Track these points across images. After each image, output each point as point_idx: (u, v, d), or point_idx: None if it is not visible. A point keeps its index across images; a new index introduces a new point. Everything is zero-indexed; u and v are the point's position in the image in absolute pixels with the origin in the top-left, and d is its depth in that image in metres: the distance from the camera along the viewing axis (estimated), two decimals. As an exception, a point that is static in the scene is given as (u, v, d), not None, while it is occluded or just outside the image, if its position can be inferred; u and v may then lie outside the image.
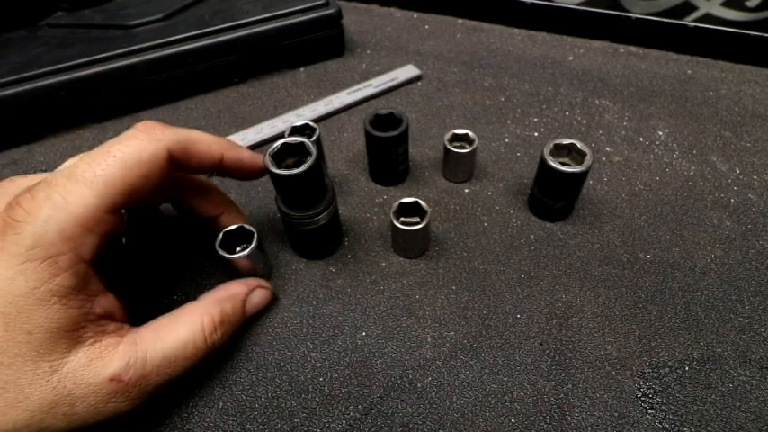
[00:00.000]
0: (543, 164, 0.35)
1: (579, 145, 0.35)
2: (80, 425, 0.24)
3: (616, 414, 0.29)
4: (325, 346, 0.33)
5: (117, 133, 0.27)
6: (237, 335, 0.33)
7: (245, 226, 0.33)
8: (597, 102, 0.50)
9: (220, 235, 0.33)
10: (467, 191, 0.42)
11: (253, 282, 0.33)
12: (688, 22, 0.57)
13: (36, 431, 0.23)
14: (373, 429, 0.29)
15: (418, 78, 0.54)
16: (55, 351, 0.23)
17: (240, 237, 0.34)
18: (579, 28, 0.59)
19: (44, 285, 0.23)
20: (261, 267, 0.35)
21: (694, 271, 0.36)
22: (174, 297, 0.36)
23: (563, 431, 0.29)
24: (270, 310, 0.34)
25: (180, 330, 0.28)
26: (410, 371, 0.32)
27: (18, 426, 0.22)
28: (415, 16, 0.64)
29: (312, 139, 0.38)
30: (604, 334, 0.33)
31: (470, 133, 0.41)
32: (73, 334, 0.24)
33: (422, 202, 0.35)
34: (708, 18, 0.59)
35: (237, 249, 0.34)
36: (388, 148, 0.39)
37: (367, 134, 0.38)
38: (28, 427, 0.23)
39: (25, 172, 0.46)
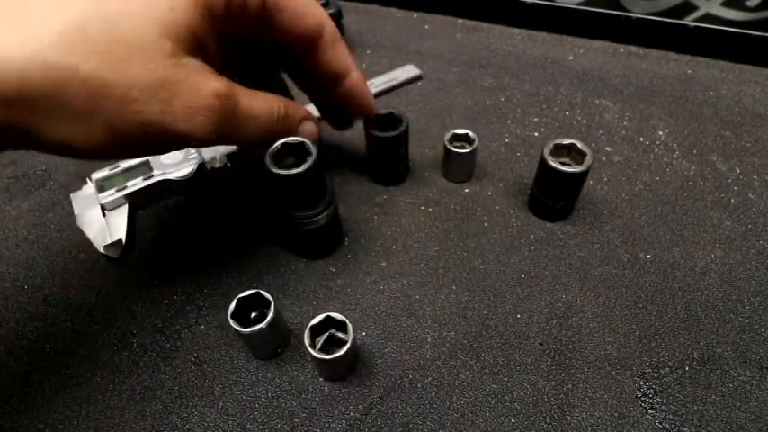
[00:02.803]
0: (543, 164, 0.35)
1: (579, 145, 0.35)
2: (165, 125, 0.24)
3: (616, 414, 0.29)
4: (326, 346, 0.33)
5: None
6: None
7: (262, 292, 0.31)
8: (597, 102, 0.50)
9: (233, 303, 0.30)
10: (467, 191, 0.42)
11: (307, 113, 0.33)
12: (688, 21, 0.57)
13: (130, 101, 0.23)
14: (373, 429, 0.29)
15: (418, 78, 0.54)
16: (180, 40, 0.24)
17: (256, 304, 0.31)
18: (579, 28, 0.59)
19: None
20: (277, 340, 0.32)
21: (694, 271, 0.36)
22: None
23: (563, 431, 0.29)
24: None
25: (261, 100, 0.29)
26: (410, 371, 0.32)
27: (131, 83, 0.22)
28: (415, 16, 0.64)
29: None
30: (604, 334, 0.33)
31: (470, 133, 0.41)
32: (199, 45, 0.25)
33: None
34: (708, 18, 0.59)
35: (253, 314, 0.31)
36: (388, 148, 0.39)
37: (367, 134, 0.38)
38: (135, 89, 0.23)
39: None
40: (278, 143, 0.31)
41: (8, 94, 0.20)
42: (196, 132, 0.25)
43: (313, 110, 0.43)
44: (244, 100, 0.27)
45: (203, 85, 0.25)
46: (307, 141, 0.31)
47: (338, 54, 0.32)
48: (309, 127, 0.33)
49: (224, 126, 0.26)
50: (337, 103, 0.35)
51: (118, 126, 0.23)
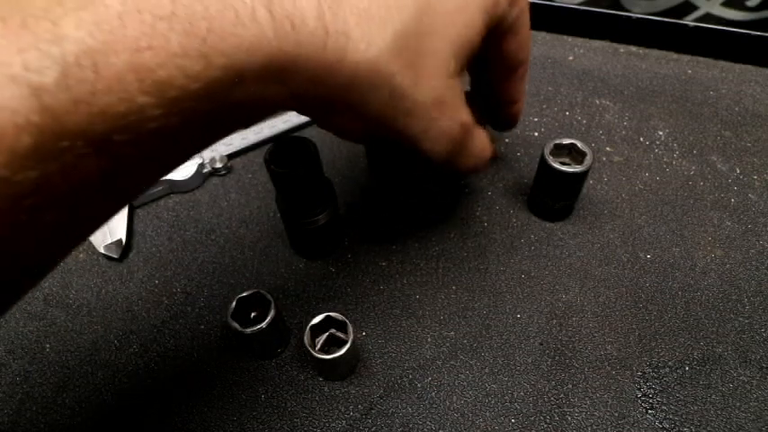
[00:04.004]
0: (543, 164, 0.35)
1: (579, 145, 0.35)
2: (418, 141, 0.25)
3: (616, 414, 0.29)
4: (326, 346, 0.33)
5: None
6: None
7: (262, 292, 0.31)
8: (597, 101, 0.50)
9: (233, 303, 0.30)
10: (467, 191, 0.42)
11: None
12: (688, 21, 0.57)
13: (407, 114, 0.23)
14: (373, 429, 0.29)
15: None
16: (460, 60, 0.24)
17: (256, 304, 0.31)
18: (579, 28, 0.59)
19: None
20: (277, 340, 0.32)
21: (694, 271, 0.36)
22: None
23: (563, 431, 0.29)
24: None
25: (484, 140, 0.30)
26: (410, 371, 0.32)
27: (418, 99, 0.23)
28: (415, 16, 0.64)
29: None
30: (604, 334, 0.33)
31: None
32: (468, 63, 0.26)
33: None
34: (708, 18, 0.59)
35: (253, 314, 0.31)
36: (388, 148, 0.39)
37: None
38: (418, 105, 0.23)
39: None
40: (279, 141, 0.30)
41: (332, 86, 0.20)
42: (431, 154, 0.26)
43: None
44: (475, 137, 0.28)
45: (458, 112, 0.26)
46: (308, 139, 0.30)
47: (522, 86, 0.33)
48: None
49: (450, 155, 0.27)
50: (488, 115, 0.36)
51: (381, 131, 0.24)
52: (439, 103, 0.24)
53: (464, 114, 0.26)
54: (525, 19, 0.29)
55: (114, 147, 0.15)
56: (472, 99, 0.28)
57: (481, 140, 0.29)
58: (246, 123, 0.21)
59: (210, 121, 0.18)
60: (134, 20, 0.15)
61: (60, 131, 0.14)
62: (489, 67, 0.32)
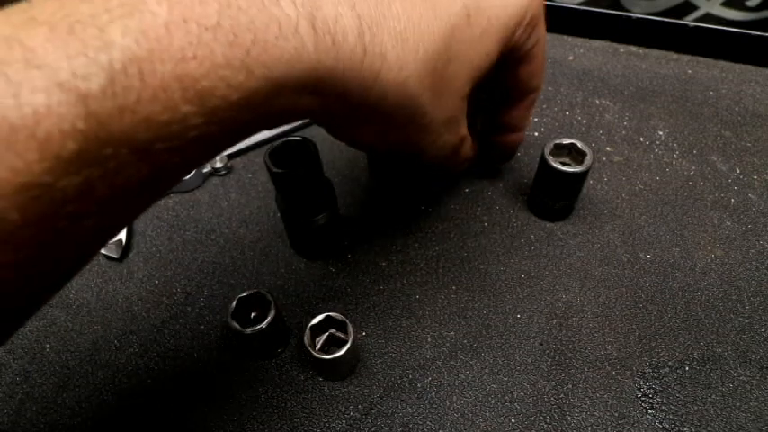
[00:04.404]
0: (543, 164, 0.35)
1: (579, 145, 0.35)
2: (426, 153, 0.28)
3: (616, 414, 0.29)
4: (326, 346, 0.33)
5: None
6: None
7: (262, 292, 0.31)
8: (597, 101, 0.50)
9: (233, 303, 0.30)
10: (467, 191, 0.42)
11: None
12: (688, 21, 0.57)
13: (421, 130, 0.26)
14: (373, 429, 0.29)
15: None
16: (474, 83, 0.27)
17: (256, 304, 0.31)
18: (579, 28, 0.59)
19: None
20: (278, 339, 0.32)
21: (694, 271, 0.36)
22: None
23: (563, 431, 0.29)
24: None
25: (470, 149, 0.33)
26: (410, 371, 0.32)
27: (434, 119, 0.25)
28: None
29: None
30: (604, 334, 0.33)
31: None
32: (477, 84, 0.27)
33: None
34: (708, 18, 0.59)
35: (253, 314, 0.31)
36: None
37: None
38: (433, 123, 0.26)
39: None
40: (278, 142, 0.30)
41: (363, 102, 0.21)
42: (432, 160, 0.29)
43: None
44: (465, 145, 0.31)
45: (459, 128, 0.28)
46: (308, 139, 0.30)
47: (528, 114, 0.35)
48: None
49: (448, 160, 0.30)
50: (487, 141, 0.37)
51: (394, 143, 0.26)
52: (449, 121, 0.26)
53: (464, 128, 0.29)
54: (541, 48, 0.30)
55: (156, 154, 0.15)
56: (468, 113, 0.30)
57: (470, 145, 0.32)
58: (271, 127, 0.21)
59: (246, 128, 0.19)
60: (180, 29, 0.15)
61: (105, 138, 0.14)
62: (497, 91, 0.33)
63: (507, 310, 0.34)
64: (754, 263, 0.36)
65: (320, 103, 0.20)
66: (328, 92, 0.20)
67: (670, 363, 0.32)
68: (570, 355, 0.32)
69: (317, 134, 0.35)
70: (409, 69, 0.22)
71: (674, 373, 0.31)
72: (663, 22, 0.56)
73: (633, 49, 0.56)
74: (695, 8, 0.59)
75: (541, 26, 0.29)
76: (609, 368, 0.31)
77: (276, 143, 0.30)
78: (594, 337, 0.33)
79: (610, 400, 0.30)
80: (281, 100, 0.18)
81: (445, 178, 0.42)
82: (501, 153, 0.38)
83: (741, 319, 0.33)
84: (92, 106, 0.13)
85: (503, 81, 0.32)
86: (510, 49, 0.28)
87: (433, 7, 0.23)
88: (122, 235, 0.38)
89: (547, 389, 0.31)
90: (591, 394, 0.30)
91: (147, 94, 0.14)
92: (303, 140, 0.31)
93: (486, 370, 0.32)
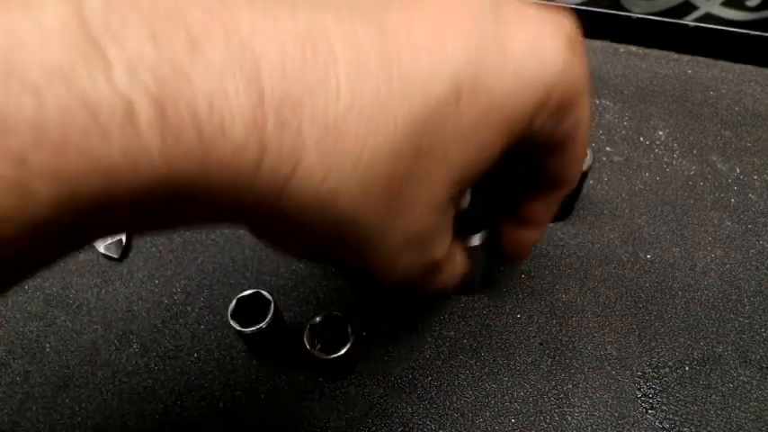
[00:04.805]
0: (543, 164, 0.35)
1: (579, 145, 0.35)
2: (384, 271, 0.19)
3: (616, 414, 0.29)
4: (326, 346, 0.33)
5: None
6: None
7: (262, 292, 0.30)
8: (597, 101, 0.50)
9: (233, 303, 0.30)
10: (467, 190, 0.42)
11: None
12: (688, 21, 0.57)
13: (372, 248, 0.17)
14: (373, 429, 0.29)
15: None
16: (458, 195, 0.19)
17: (256, 304, 0.31)
18: (579, 28, 0.59)
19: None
20: (278, 339, 0.31)
21: (694, 271, 0.36)
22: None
23: (563, 431, 0.29)
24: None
25: (457, 267, 0.24)
26: (410, 371, 0.32)
27: (389, 237, 0.17)
28: (415, 16, 0.64)
29: None
30: (604, 334, 0.33)
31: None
32: (466, 188, 0.19)
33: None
34: (708, 18, 0.59)
35: (253, 314, 0.31)
36: None
37: None
38: (388, 241, 0.17)
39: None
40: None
41: (259, 218, 0.16)
42: (397, 282, 0.20)
43: None
44: (447, 266, 0.23)
45: (432, 248, 0.20)
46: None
47: (551, 210, 0.26)
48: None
49: (417, 283, 0.22)
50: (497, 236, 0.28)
51: (339, 259, 0.19)
52: (414, 241, 0.18)
53: (442, 246, 0.20)
54: (581, 135, 0.21)
55: None
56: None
57: (456, 266, 0.24)
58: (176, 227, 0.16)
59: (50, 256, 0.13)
60: None
61: None
62: (515, 179, 0.25)
63: (507, 310, 0.34)
64: (754, 263, 0.36)
65: (207, 216, 0.15)
66: (206, 205, 0.14)
67: (670, 363, 0.32)
68: (570, 355, 0.32)
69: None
70: (339, 178, 0.14)
71: (674, 373, 0.31)
72: (663, 22, 0.56)
73: (633, 49, 0.56)
74: (695, 8, 0.59)
75: (582, 106, 0.19)
76: (609, 368, 0.31)
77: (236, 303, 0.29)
78: (594, 337, 0.33)
79: (610, 400, 0.30)
80: (106, 219, 0.12)
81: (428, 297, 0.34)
82: (508, 250, 0.27)
83: (741, 319, 0.33)
84: None
85: (522, 171, 0.23)
86: (530, 137, 0.19)
87: (401, 80, 0.14)
88: (122, 235, 0.38)
89: (547, 389, 0.31)
90: (591, 394, 0.30)
91: None
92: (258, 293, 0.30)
93: (486, 370, 0.32)
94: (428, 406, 0.30)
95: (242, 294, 0.30)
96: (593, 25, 0.58)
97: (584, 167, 0.34)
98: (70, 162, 0.11)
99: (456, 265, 0.24)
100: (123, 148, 0.11)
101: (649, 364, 0.31)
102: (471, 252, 0.26)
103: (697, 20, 0.59)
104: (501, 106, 0.16)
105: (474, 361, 0.32)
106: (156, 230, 0.16)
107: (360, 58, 0.14)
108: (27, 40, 0.10)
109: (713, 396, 0.30)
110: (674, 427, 0.29)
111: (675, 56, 0.55)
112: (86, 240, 0.14)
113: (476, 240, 0.27)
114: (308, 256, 0.21)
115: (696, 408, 0.30)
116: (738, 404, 0.30)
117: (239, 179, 0.13)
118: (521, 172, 0.23)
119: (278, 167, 0.13)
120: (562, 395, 0.30)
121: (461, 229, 0.25)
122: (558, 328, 0.33)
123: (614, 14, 0.58)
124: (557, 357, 0.32)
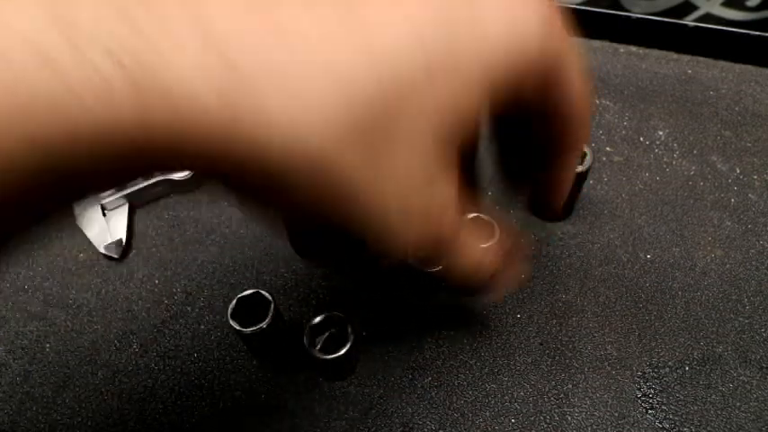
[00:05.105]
0: (543, 164, 0.35)
1: (579, 145, 0.35)
2: (382, 236, 0.18)
3: (616, 414, 0.29)
4: (326, 346, 0.33)
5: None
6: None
7: (262, 292, 0.30)
8: (597, 101, 0.50)
9: (233, 303, 0.30)
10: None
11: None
12: (688, 21, 0.57)
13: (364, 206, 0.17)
14: (373, 429, 0.29)
15: (418, 78, 0.54)
16: (452, 155, 0.18)
17: (256, 304, 0.30)
18: (579, 28, 0.59)
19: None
20: (278, 339, 0.31)
21: (694, 271, 0.36)
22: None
23: (563, 431, 0.29)
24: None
25: (476, 250, 0.23)
26: (410, 371, 0.32)
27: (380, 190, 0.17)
28: (415, 16, 0.64)
29: None
30: (604, 334, 0.33)
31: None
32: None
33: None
34: (708, 18, 0.59)
35: (253, 314, 0.30)
36: None
37: None
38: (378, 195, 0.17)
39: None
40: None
41: (236, 173, 0.15)
42: (399, 250, 0.19)
43: None
44: (462, 248, 0.22)
45: (438, 208, 0.19)
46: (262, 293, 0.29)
47: (565, 178, 0.26)
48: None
49: (425, 250, 0.20)
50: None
51: (329, 221, 0.18)
52: (401, 194, 0.17)
53: (441, 212, 0.19)
54: (575, 94, 0.21)
55: None
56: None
57: (468, 250, 0.22)
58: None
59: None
60: None
61: None
62: (522, 136, 0.24)
63: (507, 310, 0.34)
64: (754, 263, 0.36)
65: (187, 166, 0.15)
66: (182, 158, 0.14)
67: (670, 363, 0.32)
68: (570, 355, 0.32)
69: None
70: (305, 120, 0.14)
71: (674, 373, 0.31)
72: (663, 22, 0.56)
73: (633, 49, 0.56)
74: (695, 8, 0.59)
75: (568, 72, 0.20)
76: (609, 368, 0.31)
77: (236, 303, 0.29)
78: (594, 337, 0.33)
79: (610, 400, 0.30)
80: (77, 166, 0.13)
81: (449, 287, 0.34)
82: (549, 202, 0.28)
83: (741, 319, 0.33)
84: None
85: (525, 124, 0.23)
86: (525, 105, 0.20)
87: (364, 39, 0.15)
88: (122, 235, 0.38)
89: (547, 389, 0.31)
90: (591, 394, 0.30)
91: None
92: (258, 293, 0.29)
93: (486, 370, 0.32)
94: (428, 406, 0.30)
95: (242, 294, 0.30)
96: (593, 25, 0.58)
97: (585, 167, 0.34)
98: (40, 124, 0.11)
99: (471, 247, 0.23)
100: (91, 107, 0.12)
101: (649, 364, 0.31)
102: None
103: (697, 20, 0.59)
104: (471, 63, 0.17)
105: (474, 361, 0.32)
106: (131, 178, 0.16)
107: (321, 18, 0.14)
108: None
109: (713, 396, 0.30)
110: (674, 427, 0.29)
111: (675, 56, 0.55)
112: (81, 192, 0.15)
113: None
114: (297, 222, 0.20)
115: (696, 408, 0.30)
116: (738, 404, 0.30)
117: (206, 133, 0.13)
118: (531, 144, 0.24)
119: (235, 114, 0.13)
120: (562, 395, 0.30)
121: None
122: (558, 328, 0.33)
123: (614, 14, 0.58)
124: (557, 357, 0.32)
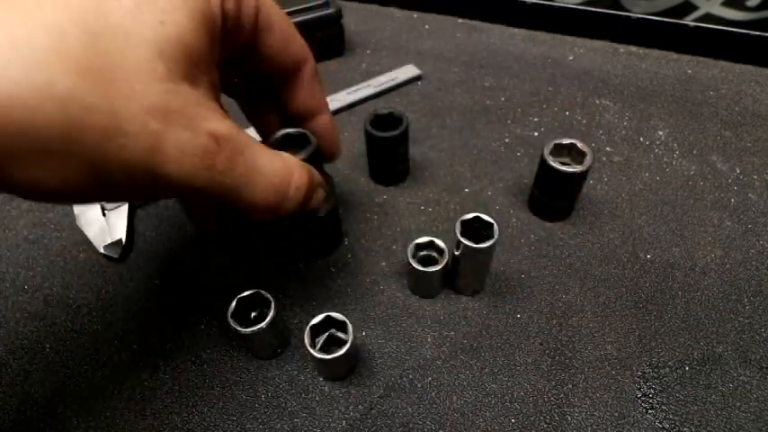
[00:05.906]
0: (543, 164, 0.35)
1: (579, 145, 0.35)
2: (153, 166, 0.19)
3: (616, 414, 0.29)
4: (326, 346, 0.33)
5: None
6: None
7: (262, 292, 0.30)
8: (597, 101, 0.50)
9: (233, 303, 0.30)
10: (467, 191, 0.42)
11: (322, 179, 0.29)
12: (688, 21, 0.57)
13: (114, 132, 0.18)
14: (373, 429, 0.29)
15: (418, 78, 0.54)
16: (175, 61, 0.20)
17: (256, 304, 0.31)
18: (579, 28, 0.59)
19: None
20: (277, 340, 0.32)
21: (694, 271, 0.36)
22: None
23: (563, 431, 0.29)
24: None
25: (276, 160, 0.24)
26: (410, 371, 0.32)
27: (116, 109, 0.18)
28: (415, 16, 0.64)
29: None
30: (604, 334, 0.33)
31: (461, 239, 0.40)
32: (197, 71, 0.21)
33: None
34: (708, 18, 0.59)
35: (253, 314, 0.32)
36: (388, 148, 0.39)
37: (367, 134, 0.38)
38: (121, 117, 0.18)
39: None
40: (279, 133, 0.30)
41: None
42: (185, 178, 0.20)
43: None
44: (251, 152, 0.23)
45: (200, 122, 0.20)
46: (307, 132, 0.30)
47: (315, 91, 0.31)
48: (321, 195, 0.29)
49: (220, 177, 0.21)
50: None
51: (99, 165, 0.18)
52: (155, 110, 0.19)
53: (213, 124, 0.21)
54: (270, 11, 0.25)
55: None
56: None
57: (269, 162, 0.24)
58: None
59: None
60: None
61: None
62: (265, 78, 0.29)
63: (507, 310, 0.34)
64: (754, 263, 0.36)
65: None
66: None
67: (670, 363, 0.32)
68: (570, 355, 0.32)
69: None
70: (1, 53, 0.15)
71: (674, 373, 0.31)
72: (663, 22, 0.56)
73: (633, 49, 0.56)
74: (695, 8, 0.59)
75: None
76: (609, 368, 0.31)
77: (278, 134, 0.30)
78: (594, 337, 0.33)
79: (610, 400, 0.30)
80: None
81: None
82: (323, 143, 0.31)
83: (741, 319, 0.33)
84: None
85: (257, 63, 0.27)
86: (224, 17, 0.22)
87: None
88: (122, 235, 0.38)
89: (547, 389, 0.31)
90: (591, 394, 0.30)
91: None
92: (304, 134, 0.30)
93: (486, 370, 0.32)
94: (428, 406, 0.30)
95: (242, 294, 0.30)
96: (594, 25, 0.59)
97: (585, 167, 0.34)
98: None
99: (274, 160, 0.24)
100: None
101: (649, 364, 0.31)
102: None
103: (697, 20, 0.59)
104: None
105: (474, 361, 0.32)
106: None
107: None
108: None
109: (713, 396, 0.30)
110: (674, 427, 0.29)
111: (675, 56, 0.55)
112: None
113: (302, 155, 0.28)
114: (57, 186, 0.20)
115: (696, 408, 0.30)
116: (738, 404, 0.30)
117: None
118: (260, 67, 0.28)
119: None
120: (562, 395, 0.30)
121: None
122: (558, 328, 0.33)
123: (614, 14, 0.58)
124: (557, 357, 0.32)
